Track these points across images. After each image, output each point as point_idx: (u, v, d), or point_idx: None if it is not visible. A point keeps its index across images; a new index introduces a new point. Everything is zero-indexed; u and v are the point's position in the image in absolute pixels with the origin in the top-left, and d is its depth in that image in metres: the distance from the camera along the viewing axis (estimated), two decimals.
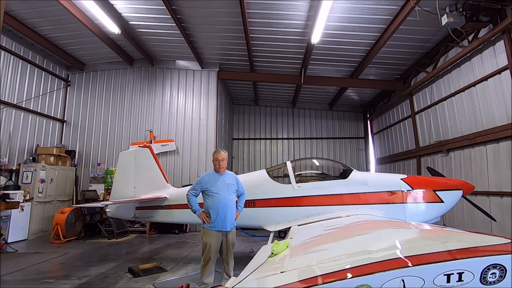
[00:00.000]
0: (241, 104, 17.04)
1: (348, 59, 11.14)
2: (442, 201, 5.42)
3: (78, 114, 12.20)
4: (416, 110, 11.68)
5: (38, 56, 10.79)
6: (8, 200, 8.14)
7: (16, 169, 9.61)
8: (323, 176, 6.37)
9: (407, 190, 5.41)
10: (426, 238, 2.78)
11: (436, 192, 5.44)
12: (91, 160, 11.87)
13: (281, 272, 2.13)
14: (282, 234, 6.60)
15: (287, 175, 5.96)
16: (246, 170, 15.85)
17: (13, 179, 9.46)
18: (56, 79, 11.76)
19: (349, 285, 1.78)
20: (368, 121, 16.69)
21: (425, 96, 10.96)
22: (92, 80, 12.41)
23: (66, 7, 8.21)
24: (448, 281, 1.76)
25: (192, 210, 4.65)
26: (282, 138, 16.85)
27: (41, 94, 10.92)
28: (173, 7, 8.58)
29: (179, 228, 10.68)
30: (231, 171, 5.23)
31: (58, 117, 11.81)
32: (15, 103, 9.76)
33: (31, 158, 10.16)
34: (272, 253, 2.75)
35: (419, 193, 5.44)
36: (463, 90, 8.89)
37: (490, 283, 1.76)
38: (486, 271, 1.76)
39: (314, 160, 7.72)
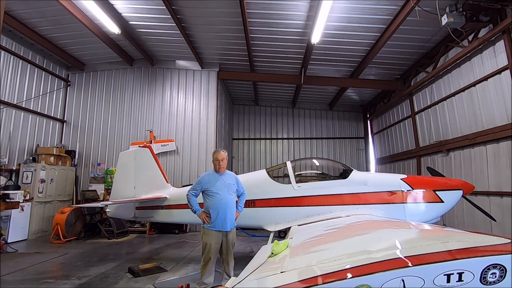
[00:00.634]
0: (241, 104, 17.04)
1: (348, 59, 11.14)
2: (442, 201, 5.42)
3: (78, 114, 12.20)
4: (416, 110, 11.68)
5: (38, 56, 10.79)
6: (8, 200, 8.14)
7: (16, 169, 9.61)
8: (323, 176, 6.37)
9: (407, 190, 5.41)
10: (426, 238, 2.78)
11: (436, 192, 5.44)
12: (91, 160, 11.87)
13: (281, 272, 2.12)
14: (282, 234, 6.61)
15: (287, 175, 5.96)
16: (246, 170, 15.85)
17: (13, 179, 9.46)
18: (56, 79, 11.76)
19: (349, 285, 1.78)
20: (368, 121, 16.69)
21: (425, 96, 10.96)
22: (92, 80, 12.41)
23: (66, 7, 8.21)
24: (448, 281, 1.76)
25: (192, 210, 4.65)
26: (282, 138, 16.85)
27: (41, 94, 10.92)
28: (173, 7, 8.58)
29: (179, 228, 10.68)
30: (231, 171, 5.23)
31: (58, 117, 11.81)
32: (15, 103, 9.76)
33: (31, 158, 10.16)
34: (272, 253, 2.75)
35: (419, 193, 5.44)
36: (463, 90, 8.89)
37: (490, 283, 1.76)
38: (486, 271, 1.76)
39: (314, 160, 7.73)
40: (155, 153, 7.37)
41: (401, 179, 5.58)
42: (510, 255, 1.78)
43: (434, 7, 7.26)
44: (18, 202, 8.54)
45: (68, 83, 12.34)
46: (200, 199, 4.69)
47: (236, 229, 5.00)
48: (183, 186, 8.97)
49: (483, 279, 1.76)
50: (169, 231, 10.52)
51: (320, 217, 5.22)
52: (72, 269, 6.16)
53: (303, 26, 9.21)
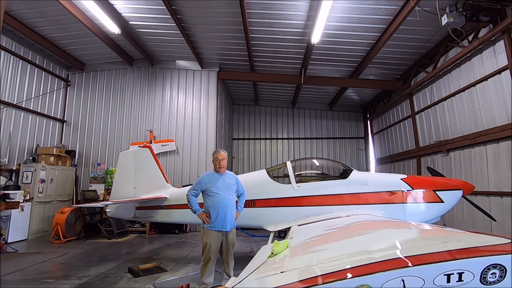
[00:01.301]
0: (241, 104, 17.04)
1: (348, 59, 11.14)
2: (442, 201, 5.42)
3: (78, 114, 12.20)
4: (416, 110, 11.68)
5: (38, 56, 10.79)
6: (8, 200, 8.15)
7: (16, 169, 9.61)
8: (323, 176, 6.37)
9: (407, 190, 5.41)
10: (426, 238, 2.78)
11: (436, 192, 5.44)
12: (91, 160, 11.87)
13: (281, 272, 2.12)
14: (282, 234, 6.61)
15: (287, 175, 5.96)
16: (246, 170, 15.85)
17: (13, 179, 9.46)
18: (56, 79, 11.76)
19: (349, 285, 1.78)
20: (368, 121, 16.69)
21: (425, 96, 10.96)
22: (92, 80, 12.41)
23: (66, 7, 8.21)
24: (448, 281, 1.76)
25: (192, 210, 4.64)
26: (282, 138, 16.85)
27: (41, 94, 10.93)
28: (173, 7, 8.58)
29: (179, 228, 10.68)
30: (231, 171, 5.23)
31: (58, 117, 11.81)
32: (15, 103, 9.76)
33: (31, 158, 10.16)
34: (272, 253, 2.75)
35: (419, 193, 5.44)
36: (463, 90, 8.89)
37: (490, 283, 1.76)
38: (486, 271, 1.76)
39: (314, 160, 7.73)
40: (155, 153, 7.36)
41: (401, 179, 5.58)
42: (510, 255, 1.78)
43: (434, 7, 7.26)
44: (18, 202, 8.55)
45: (68, 83, 12.34)
46: (200, 199, 4.69)
47: (236, 229, 5.00)
48: (183, 186, 8.97)
49: (483, 279, 1.76)
50: (169, 231, 10.53)
51: (320, 217, 5.22)
52: (72, 269, 6.16)
53: (303, 26, 9.21)
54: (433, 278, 1.76)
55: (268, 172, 6.14)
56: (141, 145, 8.29)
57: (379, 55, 10.13)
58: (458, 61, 8.87)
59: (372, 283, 1.76)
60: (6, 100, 9.44)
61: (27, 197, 9.21)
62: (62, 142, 11.82)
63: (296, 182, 5.79)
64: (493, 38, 7.51)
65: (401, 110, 12.95)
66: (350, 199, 5.48)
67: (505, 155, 7.49)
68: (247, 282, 2.15)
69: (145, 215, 6.69)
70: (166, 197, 6.48)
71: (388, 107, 13.94)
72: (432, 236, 2.80)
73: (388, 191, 5.43)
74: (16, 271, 5.94)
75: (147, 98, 12.23)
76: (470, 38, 8.30)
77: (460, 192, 5.59)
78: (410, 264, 1.83)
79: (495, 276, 1.76)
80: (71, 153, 11.54)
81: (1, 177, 8.93)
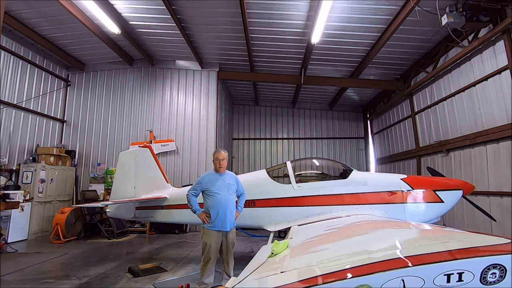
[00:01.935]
0: (241, 104, 17.04)
1: (348, 59, 11.14)
2: (442, 201, 5.42)
3: (78, 114, 12.21)
4: (416, 110, 11.68)
5: (38, 56, 10.79)
6: (8, 200, 8.15)
7: (16, 169, 9.61)
8: (323, 176, 6.37)
9: (407, 190, 5.41)
10: (426, 238, 2.78)
11: (436, 192, 5.44)
12: (91, 160, 11.87)
13: (281, 272, 2.12)
14: (282, 234, 6.61)
15: (287, 175, 5.96)
16: (246, 170, 15.85)
17: (13, 179, 9.46)
18: (56, 79, 11.76)
19: (349, 285, 1.78)
20: (368, 121, 16.69)
21: (425, 96, 10.96)
22: (92, 80, 12.41)
23: (66, 7, 8.21)
24: (448, 281, 1.76)
25: (192, 210, 4.64)
26: (282, 138, 16.85)
27: (41, 94, 10.93)
28: (173, 7, 8.58)
29: (179, 228, 10.68)
30: (231, 171, 5.23)
31: (58, 117, 11.81)
32: (15, 103, 9.76)
33: (31, 158, 10.16)
34: (272, 253, 2.75)
35: (419, 193, 5.44)
36: (463, 90, 8.89)
37: (490, 283, 1.76)
38: (486, 271, 1.76)
39: (314, 160, 7.73)
40: (155, 153, 7.36)
41: (401, 179, 5.58)
42: (510, 255, 1.78)
43: (434, 7, 7.26)
44: (18, 202, 8.55)
45: (68, 83, 12.34)
46: (200, 199, 4.69)
47: (236, 229, 5.00)
48: (183, 186, 8.97)
49: (483, 279, 1.76)
50: (169, 231, 10.53)
51: (320, 217, 5.22)
52: (72, 269, 6.16)
53: (303, 26, 9.21)
54: (433, 278, 1.76)
55: (268, 172, 6.14)
56: (141, 145, 8.28)
57: (379, 55, 10.13)
58: (458, 61, 8.87)
59: (372, 283, 1.76)
60: (6, 100, 9.44)
61: (27, 197, 9.21)
62: (62, 142, 11.82)
63: (296, 182, 5.79)
64: (493, 38, 7.51)
65: (401, 110, 12.95)
66: (350, 199, 5.48)
67: (505, 155, 7.49)
68: (247, 282, 2.15)
69: (145, 215, 6.69)
70: (166, 197, 6.48)
71: (388, 107, 13.94)
72: (432, 236, 2.80)
73: (388, 191, 5.43)
74: (16, 271, 5.94)
75: (147, 98, 12.23)
76: (470, 38, 8.30)
77: (460, 192, 5.59)
78: (410, 264, 1.83)
79: (495, 276, 1.76)
80: (71, 153, 11.54)
81: (1, 177, 8.93)
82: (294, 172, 5.91)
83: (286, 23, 9.15)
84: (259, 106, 17.05)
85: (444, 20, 7.29)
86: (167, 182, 6.99)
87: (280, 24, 9.21)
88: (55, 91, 11.64)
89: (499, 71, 7.52)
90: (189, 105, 12.13)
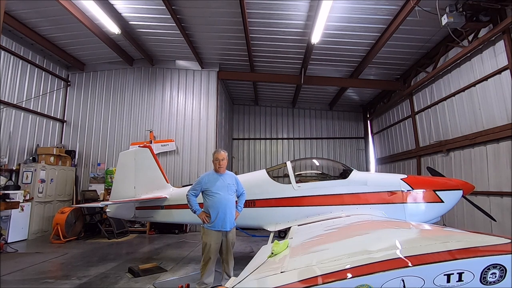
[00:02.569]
0: (241, 104, 17.04)
1: (348, 59, 11.14)
2: (442, 201, 5.42)
3: (78, 114, 12.21)
4: (416, 110, 11.68)
5: (38, 56, 10.79)
6: (8, 200, 8.15)
7: (16, 169, 9.61)
8: (323, 176, 6.37)
9: (407, 190, 5.41)
10: (426, 238, 2.78)
11: (436, 192, 5.44)
12: (91, 160, 11.88)
13: (281, 272, 2.12)
14: (282, 234, 6.61)
15: (287, 175, 5.96)
16: (246, 170, 15.84)
17: (13, 179, 9.46)
18: (56, 79, 11.76)
19: (349, 285, 1.78)
20: (368, 121, 16.69)
21: (425, 96, 10.96)
22: (92, 80, 12.41)
23: (66, 7, 8.21)
24: (448, 281, 1.76)
25: (192, 210, 4.64)
26: (282, 138, 16.85)
27: (41, 94, 10.92)
28: (173, 7, 8.58)
29: (179, 228, 10.68)
30: (231, 171, 5.24)
31: (58, 117, 11.81)
32: (15, 103, 9.76)
33: (31, 158, 10.16)
34: (272, 253, 2.75)
35: (419, 193, 5.44)
36: (463, 90, 8.89)
37: (490, 283, 1.76)
38: (486, 271, 1.76)
39: (314, 160, 7.73)
40: (155, 153, 7.36)
41: (401, 179, 5.58)
42: (510, 255, 1.78)
43: (434, 7, 7.26)
44: (18, 202, 8.55)
45: (68, 83, 12.34)
46: (200, 199, 4.70)
47: (236, 229, 5.00)
48: (183, 186, 8.97)
49: (483, 279, 1.76)
50: (169, 231, 10.53)
51: (320, 217, 5.21)
52: (72, 269, 6.16)
53: (303, 26, 9.21)
54: (433, 278, 1.76)
55: (268, 172, 6.14)
56: (141, 145, 8.28)
57: (379, 55, 10.13)
58: (458, 61, 8.87)
59: (372, 283, 1.76)
60: (6, 100, 9.44)
61: (27, 197, 9.21)
62: (62, 142, 11.82)
63: (296, 182, 5.79)
64: (493, 38, 7.51)
65: (401, 110, 12.95)
66: (350, 199, 5.48)
67: (505, 155, 7.49)
68: (247, 282, 2.15)
69: (145, 215, 6.69)
70: (166, 197, 6.48)
71: (388, 107, 13.94)
72: (432, 236, 2.80)
73: (388, 191, 5.43)
74: (16, 271, 5.94)
75: (147, 98, 12.23)
76: (470, 38, 8.30)
77: (460, 192, 5.59)
78: (410, 264, 1.83)
79: (495, 276, 1.76)
80: (71, 153, 11.54)
81: (1, 177, 8.93)
82: (294, 172, 5.91)
83: (286, 23, 9.15)
84: (259, 106, 17.05)
85: (444, 20, 7.29)
86: (167, 182, 6.99)
87: (280, 24, 9.21)
88: (55, 91, 11.64)
89: (499, 71, 7.52)
90: (189, 105, 12.13)
